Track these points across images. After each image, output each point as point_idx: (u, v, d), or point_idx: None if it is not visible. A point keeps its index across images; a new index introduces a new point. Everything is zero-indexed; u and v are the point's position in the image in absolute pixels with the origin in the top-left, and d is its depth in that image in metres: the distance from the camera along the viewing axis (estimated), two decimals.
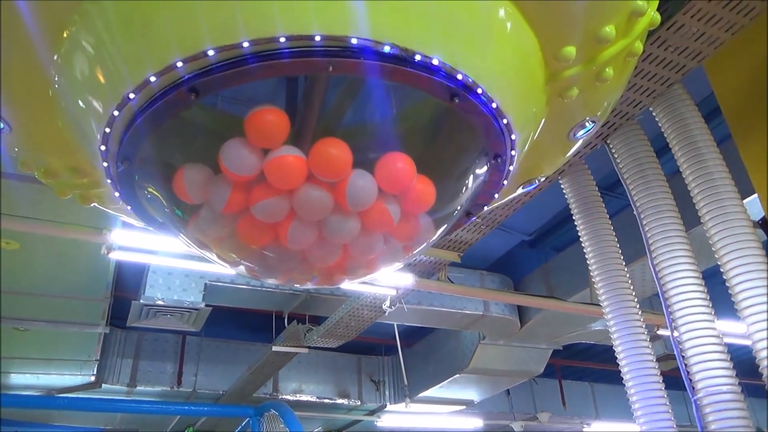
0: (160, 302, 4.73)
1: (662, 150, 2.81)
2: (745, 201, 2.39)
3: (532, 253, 6.65)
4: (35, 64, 1.33)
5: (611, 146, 2.67)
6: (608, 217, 2.90)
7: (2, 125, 1.53)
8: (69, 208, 3.30)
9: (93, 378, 6.67)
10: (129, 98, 1.22)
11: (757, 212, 2.48)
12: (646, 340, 2.56)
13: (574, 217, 2.97)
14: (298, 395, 7.99)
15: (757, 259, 2.15)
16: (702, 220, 2.34)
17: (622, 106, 2.47)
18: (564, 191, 3.01)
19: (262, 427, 5.68)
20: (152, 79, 1.17)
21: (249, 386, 7.00)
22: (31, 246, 3.79)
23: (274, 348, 5.66)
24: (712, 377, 2.16)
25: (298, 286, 1.77)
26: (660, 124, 2.54)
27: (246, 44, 1.05)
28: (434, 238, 1.60)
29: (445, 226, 1.60)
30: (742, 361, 2.69)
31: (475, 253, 4.45)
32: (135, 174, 1.40)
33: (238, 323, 7.98)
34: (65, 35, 1.25)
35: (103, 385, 6.97)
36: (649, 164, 2.57)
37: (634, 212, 2.54)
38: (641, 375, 2.45)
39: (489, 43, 1.29)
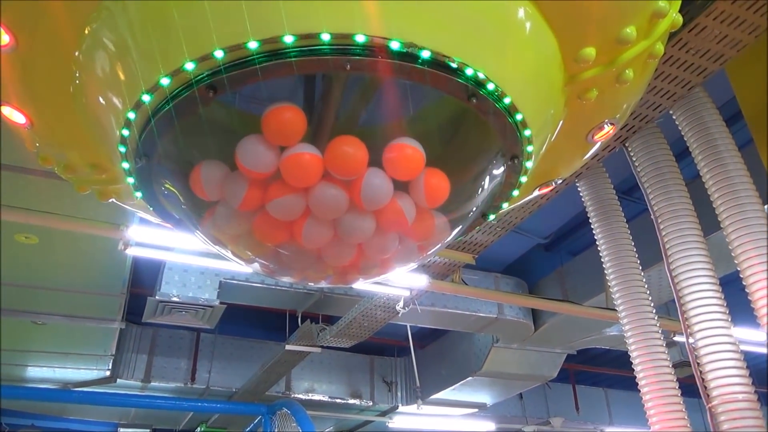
0: (175, 299, 4.77)
1: (681, 154, 2.77)
2: (766, 207, 2.35)
3: (548, 257, 6.60)
4: (57, 60, 1.35)
5: (630, 149, 2.64)
6: (625, 221, 2.87)
7: (24, 120, 1.55)
8: (88, 203, 3.34)
9: (108, 373, 6.74)
10: (146, 97, 1.23)
11: None
12: (662, 346, 2.53)
13: (590, 221, 2.95)
14: (310, 394, 8.01)
15: None
16: (722, 226, 2.31)
17: (641, 109, 2.44)
18: (581, 194, 2.98)
19: (274, 425, 5.70)
20: (172, 77, 1.18)
21: (262, 384, 7.03)
22: (50, 241, 3.83)
23: (288, 347, 5.68)
24: (726, 384, 2.13)
25: (312, 284, 1.77)
26: (680, 128, 2.50)
27: (289, 39, 1.06)
28: (449, 238, 1.59)
29: (460, 226, 1.59)
30: (760, 369, 2.65)
31: (490, 255, 4.43)
32: (153, 171, 1.41)
33: (251, 321, 8.02)
34: (87, 31, 1.26)
35: (118, 380, 7.04)
36: (668, 168, 2.54)
37: (651, 217, 2.51)
38: (656, 381, 2.42)
39: (509, 44, 1.28)
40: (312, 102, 1.31)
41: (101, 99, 1.34)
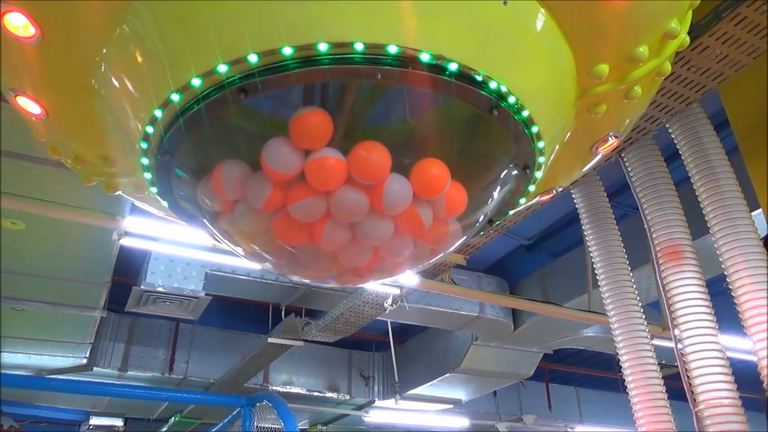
0: (160, 289, 4.75)
1: (671, 157, 2.86)
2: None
3: (529, 257, 6.72)
4: (82, 54, 1.35)
5: (625, 159, 2.72)
6: (617, 227, 2.95)
7: (39, 111, 1.55)
8: (78, 191, 3.31)
9: (85, 360, 6.67)
10: (175, 96, 1.25)
11: (762, 228, 2.54)
12: (651, 350, 2.62)
13: (583, 226, 3.03)
14: (288, 387, 8.03)
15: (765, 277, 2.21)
16: (711, 232, 2.39)
17: (641, 122, 2.52)
18: (575, 200, 3.06)
19: (253, 417, 5.70)
20: (204, 78, 1.20)
21: (241, 376, 7.03)
22: (37, 227, 3.78)
23: (270, 339, 5.69)
24: (713, 390, 2.22)
25: (320, 283, 1.80)
26: (675, 141, 2.59)
27: (324, 46, 1.09)
28: (459, 242, 1.63)
29: (471, 231, 1.63)
30: (742, 374, 2.75)
31: (473, 255, 4.50)
32: (174, 168, 1.42)
33: (232, 313, 8.00)
34: (117, 29, 1.27)
35: (95, 368, 6.98)
36: (662, 179, 2.62)
37: (645, 225, 2.59)
38: (644, 384, 2.51)
39: (530, 58, 1.32)
40: (338, 107, 1.34)
41: (126, 95, 1.35)
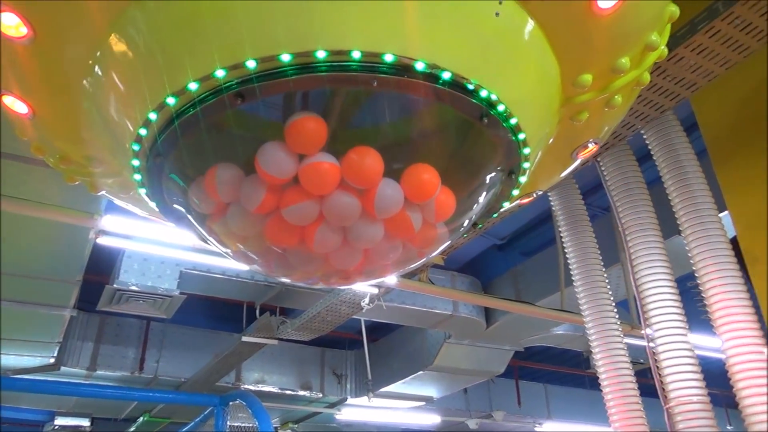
0: (134, 288, 4.69)
1: (644, 158, 2.95)
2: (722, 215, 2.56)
3: (501, 257, 6.83)
4: (75, 56, 1.35)
5: (601, 164, 2.81)
6: (592, 230, 3.04)
7: (26, 110, 1.54)
8: (53, 189, 3.25)
9: (53, 360, 6.54)
10: (170, 100, 1.26)
11: (730, 230, 2.65)
12: (623, 348, 2.71)
13: (559, 227, 3.11)
14: (260, 385, 7.99)
15: (736, 280, 2.31)
16: (685, 240, 2.49)
17: (617, 128, 2.60)
18: (552, 202, 3.14)
19: (227, 416, 5.66)
20: (201, 82, 1.21)
21: (213, 375, 6.98)
22: (8, 225, 3.70)
23: (244, 338, 5.66)
24: (684, 387, 2.31)
25: (308, 284, 1.82)
26: (650, 146, 2.68)
27: (322, 54, 1.11)
28: (446, 245, 1.67)
29: (457, 234, 1.67)
30: (717, 371, 2.86)
31: (448, 254, 4.56)
32: (166, 170, 1.43)
33: (203, 311, 7.93)
34: (113, 32, 1.27)
35: (62, 367, 6.84)
36: (636, 183, 2.71)
37: (619, 227, 2.68)
38: (617, 382, 2.59)
39: (519, 69, 1.37)
40: (332, 112, 1.36)
41: (121, 98, 1.35)
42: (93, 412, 9.32)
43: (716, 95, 2.53)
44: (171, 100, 1.26)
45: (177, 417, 8.75)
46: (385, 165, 1.34)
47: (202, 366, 7.15)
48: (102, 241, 3.21)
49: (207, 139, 1.36)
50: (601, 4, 1.33)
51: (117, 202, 2.00)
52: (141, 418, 9.06)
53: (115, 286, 4.69)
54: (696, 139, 2.93)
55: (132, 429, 9.34)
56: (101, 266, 5.30)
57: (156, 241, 3.69)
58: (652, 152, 2.68)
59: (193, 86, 1.23)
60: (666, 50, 1.62)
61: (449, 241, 1.69)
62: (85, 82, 1.41)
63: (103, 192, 1.95)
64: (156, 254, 4.64)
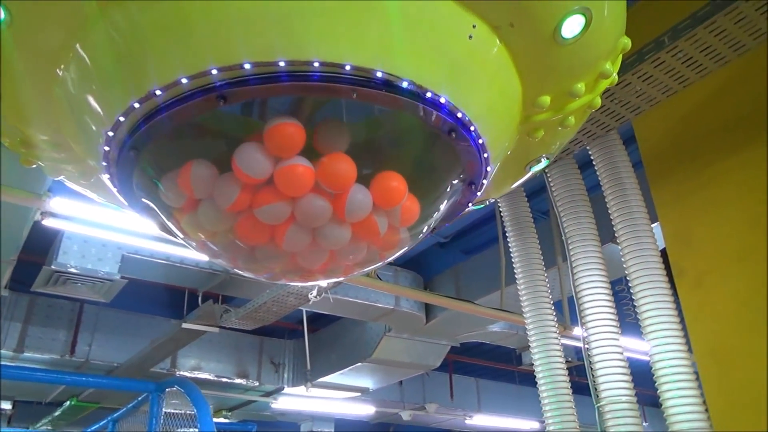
0: (72, 270, 4.55)
1: (585, 165, 3.14)
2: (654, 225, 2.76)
3: (442, 254, 7.01)
4: (51, 43, 1.35)
5: (549, 176, 2.97)
6: (536, 234, 3.21)
7: None
8: None
9: None
10: (155, 93, 1.27)
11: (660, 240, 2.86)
12: (559, 348, 2.88)
13: (506, 230, 3.26)
14: (196, 372, 7.90)
15: (664, 290, 2.51)
16: (620, 248, 2.68)
17: (567, 144, 2.75)
18: (500, 207, 3.28)
19: (162, 403, 5.57)
20: (183, 81, 1.24)
21: (148, 361, 6.85)
22: None
23: (185, 325, 5.59)
24: (614, 388, 2.49)
25: (271, 281, 1.87)
26: (593, 161, 2.86)
27: (313, 65, 1.17)
28: (406, 248, 1.76)
29: (416, 238, 1.76)
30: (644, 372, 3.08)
31: None
32: (138, 162, 1.44)
33: (140, 296, 7.73)
34: (94, 27, 1.28)
35: None
36: (579, 194, 2.89)
37: (562, 235, 2.84)
38: (552, 381, 2.76)
39: (486, 87, 1.46)
40: (308, 117, 1.41)
41: (98, 90, 1.36)
42: (15, 395, 8.97)
43: (655, 116, 2.73)
44: (159, 92, 1.27)
45: (107, 402, 8.53)
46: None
47: (136, 351, 7.00)
48: (48, 222, 3.12)
49: (184, 137, 1.39)
50: (564, 35, 1.43)
51: (74, 187, 1.98)
52: (67, 402, 8.78)
53: (52, 267, 4.54)
54: (633, 151, 3.15)
55: (57, 413, 9.04)
56: (36, 246, 5.11)
57: (101, 225, 3.61)
58: (595, 166, 2.86)
59: (184, 81, 1.24)
60: (617, 78, 1.75)
61: (410, 244, 1.77)
62: (59, 70, 1.40)
63: (62, 177, 1.93)
64: (97, 237, 4.51)
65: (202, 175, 1.41)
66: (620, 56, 1.72)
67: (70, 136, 1.63)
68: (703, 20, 2.02)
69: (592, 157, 2.87)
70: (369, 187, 1.45)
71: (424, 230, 1.74)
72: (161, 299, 7.55)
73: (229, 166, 1.38)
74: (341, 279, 4.46)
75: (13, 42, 1.35)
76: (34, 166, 1.87)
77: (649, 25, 2.21)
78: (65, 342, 7.08)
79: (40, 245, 5.10)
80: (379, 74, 1.26)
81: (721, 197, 2.66)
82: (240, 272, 1.78)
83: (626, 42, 1.66)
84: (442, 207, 1.68)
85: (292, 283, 1.91)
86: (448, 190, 1.65)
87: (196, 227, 1.55)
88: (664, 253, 2.80)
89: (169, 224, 1.61)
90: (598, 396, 2.51)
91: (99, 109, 1.40)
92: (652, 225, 2.76)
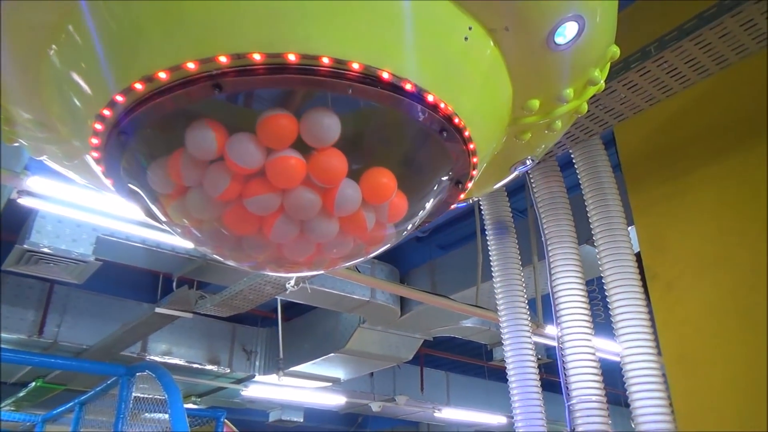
0: (45, 249, 4.47)
1: (566, 165, 3.19)
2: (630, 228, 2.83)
3: (419, 248, 7.06)
4: (40, 25, 1.33)
5: (531, 177, 3.01)
6: (515, 233, 3.26)
7: None
8: None
9: None
10: (157, 77, 1.26)
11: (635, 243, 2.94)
12: (531, 345, 2.94)
13: (486, 229, 3.30)
14: (166, 357, 7.83)
15: (637, 293, 2.58)
16: (597, 250, 2.74)
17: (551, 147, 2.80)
18: (481, 205, 3.32)
19: (132, 387, 5.53)
20: (190, 65, 1.23)
21: (118, 344, 6.78)
22: None
23: (158, 310, 5.54)
24: (585, 387, 2.56)
25: (247, 267, 1.87)
26: (575, 164, 2.91)
27: (294, 57, 1.17)
28: (391, 243, 1.78)
29: (402, 235, 1.78)
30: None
31: None
32: (128, 147, 1.43)
33: (112, 278, 7.63)
34: (87, 6, 1.26)
35: None
36: (560, 196, 2.94)
37: (542, 236, 2.89)
38: (522, 379, 2.82)
39: (480, 89, 1.48)
40: (301, 111, 1.41)
41: (90, 72, 1.34)
42: None
43: (635, 123, 2.79)
44: (163, 75, 1.25)
45: (74, 385, 8.41)
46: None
47: (106, 334, 6.91)
48: (24, 201, 3.06)
49: (176, 125, 1.38)
50: (558, 41, 1.46)
51: (57, 167, 1.96)
52: (33, 383, 8.64)
53: (25, 246, 4.45)
54: (612, 154, 3.22)
55: (22, 394, 8.88)
56: (8, 224, 5.01)
57: (77, 205, 3.56)
58: (576, 169, 2.92)
59: (191, 65, 1.23)
60: (604, 84, 1.79)
61: (396, 239, 1.79)
62: (50, 50, 1.39)
63: (44, 157, 1.90)
64: (72, 217, 4.44)
65: (194, 164, 1.41)
66: (609, 64, 1.76)
67: (57, 117, 1.60)
68: (690, 33, 2.07)
69: (573, 160, 2.92)
70: (359, 183, 1.46)
71: (409, 227, 1.76)
72: (134, 282, 7.46)
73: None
74: (320, 270, 4.46)
75: (2, 19, 1.33)
76: (16, 144, 1.84)
77: (637, 34, 2.26)
78: (33, 322, 6.96)
79: (13, 223, 5.00)
80: (376, 72, 1.26)
81: (695, 205, 2.73)
82: (223, 260, 1.78)
83: (615, 50, 1.70)
84: (428, 205, 1.70)
85: (274, 274, 1.92)
86: (436, 188, 1.67)
87: (184, 214, 1.55)
88: (639, 257, 2.87)
89: (155, 210, 1.60)
90: (569, 394, 2.58)
91: (90, 91, 1.39)
92: (629, 228, 2.84)
